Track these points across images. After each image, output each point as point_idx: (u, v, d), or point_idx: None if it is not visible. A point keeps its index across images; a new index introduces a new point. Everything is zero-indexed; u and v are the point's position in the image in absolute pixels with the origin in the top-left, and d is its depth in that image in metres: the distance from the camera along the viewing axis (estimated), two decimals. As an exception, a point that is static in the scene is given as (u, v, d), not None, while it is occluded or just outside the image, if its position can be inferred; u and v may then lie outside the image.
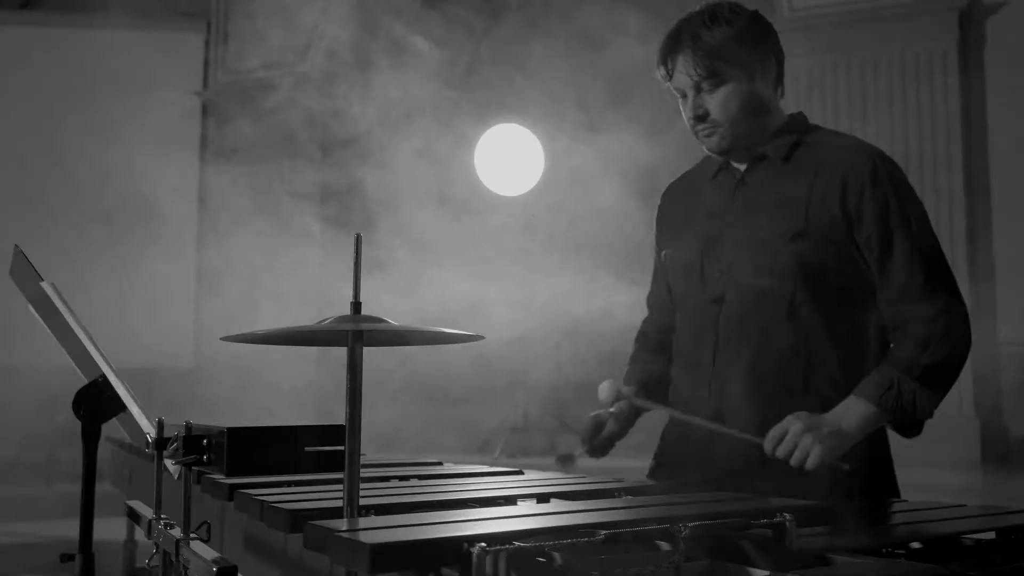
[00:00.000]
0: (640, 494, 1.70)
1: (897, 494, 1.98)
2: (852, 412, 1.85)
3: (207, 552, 1.35)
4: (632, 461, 2.32)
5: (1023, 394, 6.78)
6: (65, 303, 1.71)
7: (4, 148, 9.02)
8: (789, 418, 1.84)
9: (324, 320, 1.27)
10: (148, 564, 1.57)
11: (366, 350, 1.26)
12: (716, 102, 1.96)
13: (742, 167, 2.07)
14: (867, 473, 1.92)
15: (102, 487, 1.77)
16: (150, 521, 1.58)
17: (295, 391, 6.46)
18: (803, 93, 7.51)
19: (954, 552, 1.34)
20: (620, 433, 2.16)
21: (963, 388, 6.82)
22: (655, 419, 2.22)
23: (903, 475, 2.00)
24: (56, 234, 7.92)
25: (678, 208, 2.22)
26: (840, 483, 1.81)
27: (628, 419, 2.18)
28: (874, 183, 1.91)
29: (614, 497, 1.69)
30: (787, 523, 1.18)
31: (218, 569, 1.25)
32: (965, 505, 1.61)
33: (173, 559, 1.44)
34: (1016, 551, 1.38)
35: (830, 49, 7.48)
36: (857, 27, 7.43)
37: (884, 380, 1.86)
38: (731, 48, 1.94)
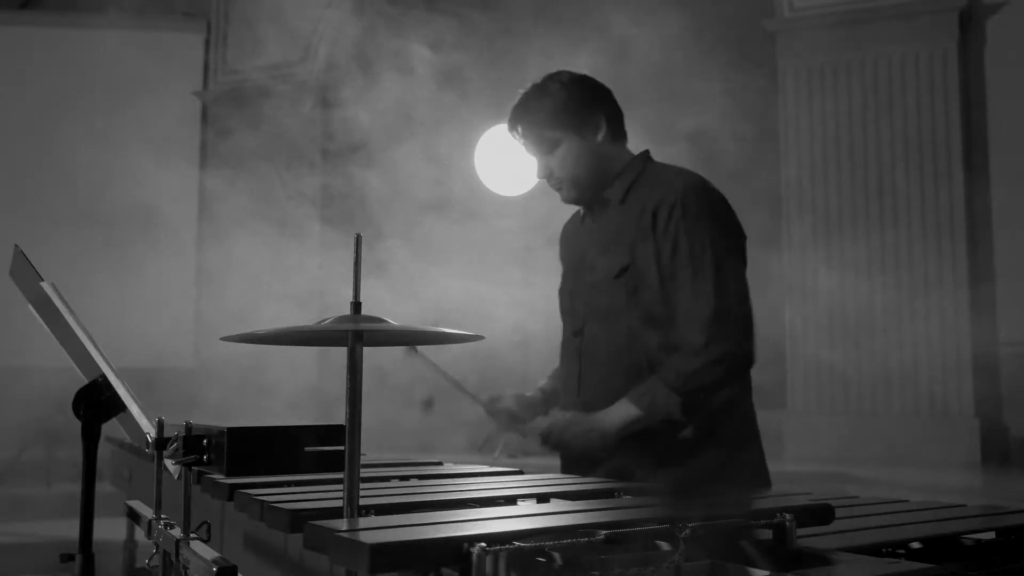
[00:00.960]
0: (640, 494, 1.70)
1: (768, 483, 2.09)
2: (616, 411, 2.06)
3: (207, 552, 1.35)
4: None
5: (1023, 394, 6.78)
6: (65, 303, 1.71)
7: (4, 149, 9.01)
8: (559, 415, 2.16)
9: (324, 320, 1.27)
10: (148, 564, 1.57)
11: (366, 350, 1.26)
12: (556, 162, 2.24)
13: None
14: (730, 454, 2.06)
15: (102, 487, 1.77)
16: (150, 521, 1.58)
17: (295, 391, 6.45)
18: (803, 93, 7.51)
19: (954, 552, 1.34)
20: (518, 416, 2.37)
21: (963, 388, 6.82)
22: None
23: (904, 475, 2.01)
24: (56, 234, 7.91)
25: (562, 247, 2.46)
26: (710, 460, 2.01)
27: (531, 406, 2.38)
28: (671, 217, 2.06)
29: (614, 497, 1.69)
30: (787, 523, 1.18)
31: (218, 569, 1.25)
32: (965, 505, 1.61)
33: (173, 559, 1.44)
34: (1016, 551, 1.38)
35: (830, 49, 7.48)
36: (857, 27, 7.42)
37: (645, 386, 2.04)
38: (558, 116, 2.21)
